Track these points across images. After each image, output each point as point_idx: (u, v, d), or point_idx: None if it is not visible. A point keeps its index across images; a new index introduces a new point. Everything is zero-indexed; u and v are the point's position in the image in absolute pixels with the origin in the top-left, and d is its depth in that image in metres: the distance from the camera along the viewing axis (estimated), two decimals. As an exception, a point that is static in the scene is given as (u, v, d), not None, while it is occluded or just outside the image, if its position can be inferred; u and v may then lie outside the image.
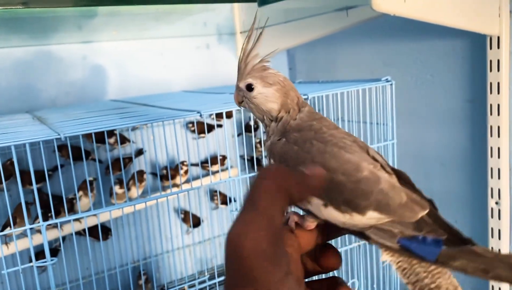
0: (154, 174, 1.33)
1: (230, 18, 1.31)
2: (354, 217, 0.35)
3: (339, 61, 1.40)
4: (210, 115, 1.35)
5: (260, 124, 1.29)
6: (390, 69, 1.22)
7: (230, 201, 1.36)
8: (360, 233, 0.35)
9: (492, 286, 1.04)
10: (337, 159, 0.37)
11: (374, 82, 0.98)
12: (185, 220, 1.37)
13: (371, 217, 0.35)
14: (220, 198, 1.35)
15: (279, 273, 0.27)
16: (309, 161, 0.37)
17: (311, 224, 0.37)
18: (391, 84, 0.98)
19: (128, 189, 1.17)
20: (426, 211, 0.35)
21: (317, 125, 0.40)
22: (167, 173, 1.23)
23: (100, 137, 1.14)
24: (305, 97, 0.93)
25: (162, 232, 1.37)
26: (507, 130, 0.97)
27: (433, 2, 0.83)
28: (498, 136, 0.97)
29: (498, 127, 0.97)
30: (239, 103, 0.45)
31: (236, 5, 1.14)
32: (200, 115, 0.77)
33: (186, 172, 1.27)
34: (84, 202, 1.00)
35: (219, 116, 1.34)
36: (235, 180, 0.85)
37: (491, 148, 0.99)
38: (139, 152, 1.29)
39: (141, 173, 1.16)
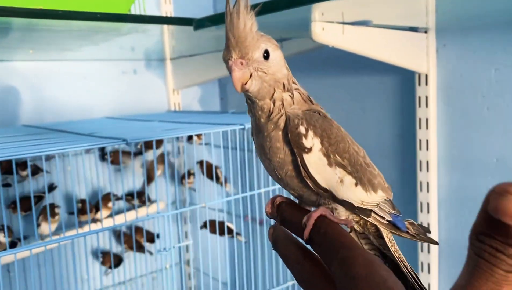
0: (72, 212, 1.20)
1: (160, 43, 1.25)
2: (372, 195, 0.40)
3: (272, 93, 1.38)
4: (137, 144, 1.27)
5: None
6: (323, 103, 1.22)
7: (153, 239, 1.26)
8: (365, 210, 0.41)
9: None
10: (355, 144, 0.40)
11: (309, 114, 0.96)
12: (104, 260, 1.24)
13: (379, 195, 0.41)
14: (139, 235, 1.25)
15: None
16: (346, 141, 0.39)
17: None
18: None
19: (38, 225, 1.04)
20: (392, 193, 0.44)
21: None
22: (86, 207, 1.11)
23: (10, 168, 1.01)
24: (242, 127, 0.89)
25: (77, 273, 1.23)
26: (435, 164, 0.99)
27: (368, 37, 0.85)
28: (427, 170, 0.99)
29: (427, 162, 0.99)
30: (243, 85, 0.36)
31: (166, 30, 1.09)
32: (126, 143, 0.70)
33: (111, 205, 1.16)
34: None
35: (147, 146, 1.25)
36: (164, 216, 0.77)
37: (421, 182, 1.00)
38: (51, 187, 1.16)
39: (52, 207, 1.04)
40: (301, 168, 0.37)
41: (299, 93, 0.39)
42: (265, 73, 0.36)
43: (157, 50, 1.34)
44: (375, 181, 0.41)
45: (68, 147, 0.67)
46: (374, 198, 0.41)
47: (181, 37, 1.16)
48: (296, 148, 0.37)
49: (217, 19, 0.76)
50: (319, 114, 0.39)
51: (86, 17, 0.69)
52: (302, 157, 0.37)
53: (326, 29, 0.74)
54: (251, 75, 0.36)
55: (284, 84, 0.38)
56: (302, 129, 0.37)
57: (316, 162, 0.37)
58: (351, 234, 0.43)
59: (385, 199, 0.42)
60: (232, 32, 0.35)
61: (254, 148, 1.07)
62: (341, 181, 0.38)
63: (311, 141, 0.37)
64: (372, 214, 0.41)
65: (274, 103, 0.38)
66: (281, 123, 0.38)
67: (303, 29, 0.77)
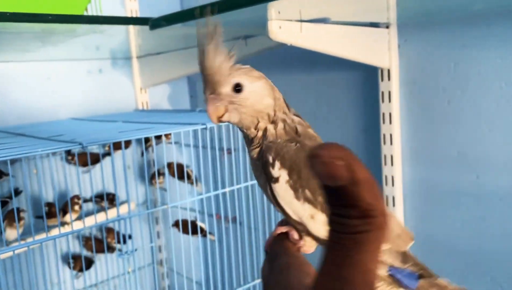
0: (39, 216, 1.18)
1: (125, 42, 1.23)
2: None
3: (239, 90, 1.38)
4: (104, 145, 1.25)
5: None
6: (290, 99, 1.22)
7: (124, 240, 1.25)
8: None
9: None
10: None
11: (274, 112, 0.96)
12: (74, 264, 1.23)
13: None
14: (111, 236, 1.23)
15: None
16: None
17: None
18: (290, 114, 0.97)
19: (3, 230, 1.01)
20: (412, 242, 0.39)
21: (317, 137, 0.39)
22: (52, 211, 1.09)
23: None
24: (204, 127, 0.88)
25: (47, 278, 1.21)
26: (399, 158, 1.00)
27: (328, 34, 0.84)
28: (392, 164, 1.00)
29: (391, 156, 1.00)
30: (218, 118, 0.37)
31: (131, 29, 1.07)
32: (82, 147, 0.68)
33: (80, 207, 1.14)
34: None
35: (114, 146, 1.23)
36: (125, 219, 0.76)
37: (386, 176, 1.01)
38: (16, 191, 1.13)
39: (17, 211, 1.02)
40: (271, 197, 0.38)
41: (284, 124, 0.39)
42: (241, 105, 0.37)
43: (122, 48, 1.32)
44: None
45: (20, 153, 0.65)
46: None
47: (147, 35, 1.14)
48: (266, 177, 0.37)
49: (172, 19, 0.75)
50: (297, 144, 0.38)
51: (36, 19, 0.67)
52: (271, 186, 0.37)
53: (283, 28, 0.73)
54: (228, 108, 0.37)
55: (269, 115, 0.38)
56: (270, 158, 0.37)
57: (283, 193, 0.37)
58: None
59: (388, 249, 0.38)
60: (203, 69, 0.36)
61: (220, 146, 1.05)
62: (311, 217, 0.36)
63: (278, 171, 0.36)
64: None
65: (257, 133, 0.38)
66: (256, 153, 0.39)
67: (262, 28, 0.76)
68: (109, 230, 1.26)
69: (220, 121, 0.38)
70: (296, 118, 0.39)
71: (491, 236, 0.90)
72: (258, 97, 0.37)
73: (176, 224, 1.17)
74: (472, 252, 0.94)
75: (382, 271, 0.36)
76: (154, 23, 0.79)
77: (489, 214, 0.90)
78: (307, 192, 0.36)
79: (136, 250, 0.73)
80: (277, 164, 0.36)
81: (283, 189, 0.36)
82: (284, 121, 0.39)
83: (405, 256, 0.39)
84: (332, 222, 0.22)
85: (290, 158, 0.36)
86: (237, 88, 0.36)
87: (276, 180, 0.36)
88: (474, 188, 0.91)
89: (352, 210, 0.21)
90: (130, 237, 1.25)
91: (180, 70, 1.31)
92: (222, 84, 0.36)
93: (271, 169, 0.36)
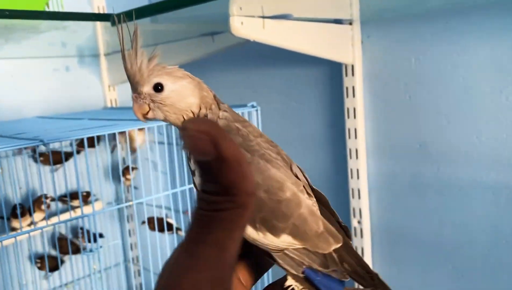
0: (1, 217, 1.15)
1: (92, 38, 1.22)
2: (268, 237, 0.34)
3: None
4: (72, 143, 1.23)
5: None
6: (259, 96, 1.23)
7: (95, 238, 1.24)
8: (268, 254, 0.35)
9: None
10: (262, 174, 0.35)
11: (241, 108, 0.98)
12: (41, 265, 1.21)
13: (284, 241, 0.34)
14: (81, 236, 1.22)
15: None
16: None
17: None
18: (257, 110, 0.98)
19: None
20: (339, 245, 0.35)
21: (243, 130, 0.38)
22: (21, 211, 1.08)
23: None
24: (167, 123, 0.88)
25: (14, 279, 1.19)
26: (364, 152, 1.03)
27: (291, 30, 0.86)
28: (357, 158, 1.02)
29: (356, 150, 1.02)
30: (144, 115, 0.39)
31: (98, 24, 1.06)
32: (44, 144, 0.68)
33: (47, 207, 1.13)
34: None
35: (80, 145, 1.22)
36: (89, 216, 0.76)
37: (351, 169, 1.04)
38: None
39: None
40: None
41: None
42: (162, 104, 0.37)
43: (90, 45, 1.30)
44: (280, 225, 0.34)
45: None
46: (270, 240, 0.34)
47: (114, 32, 1.13)
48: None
49: (133, 14, 0.75)
50: None
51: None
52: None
53: (245, 24, 0.74)
54: (150, 106, 0.38)
55: (193, 112, 0.38)
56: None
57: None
58: None
59: (304, 249, 0.35)
60: (125, 70, 0.38)
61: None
62: None
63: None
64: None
65: None
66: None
67: (225, 24, 0.77)
68: (79, 230, 1.24)
69: (147, 118, 0.39)
70: (223, 114, 0.40)
71: (452, 226, 0.94)
72: (180, 96, 0.38)
73: (145, 222, 1.17)
74: (434, 242, 0.97)
75: (294, 271, 0.34)
76: (116, 20, 0.78)
77: (450, 205, 0.93)
78: None
79: (101, 247, 0.72)
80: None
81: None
82: (205, 117, 0.40)
83: (329, 259, 0.35)
84: (197, 198, 0.22)
85: None
86: (158, 88, 0.37)
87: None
88: (435, 180, 0.94)
89: (215, 186, 0.21)
90: (98, 236, 1.24)
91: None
92: (142, 84, 0.37)
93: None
